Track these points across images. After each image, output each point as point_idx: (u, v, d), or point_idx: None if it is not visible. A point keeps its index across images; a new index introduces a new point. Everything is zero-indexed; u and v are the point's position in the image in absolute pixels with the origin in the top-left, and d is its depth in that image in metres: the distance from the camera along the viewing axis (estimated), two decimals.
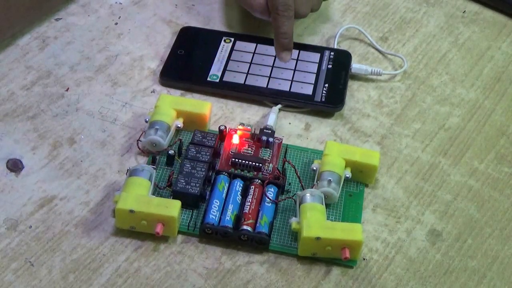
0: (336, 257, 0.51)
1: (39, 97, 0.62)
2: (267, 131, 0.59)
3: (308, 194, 0.53)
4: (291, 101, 0.63)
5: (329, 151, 0.56)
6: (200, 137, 0.57)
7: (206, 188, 0.55)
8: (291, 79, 0.64)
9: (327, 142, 0.57)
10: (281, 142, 0.59)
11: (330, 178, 0.54)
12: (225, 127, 0.59)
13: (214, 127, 0.60)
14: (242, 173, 0.56)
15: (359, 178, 0.57)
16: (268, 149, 0.58)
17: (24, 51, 0.66)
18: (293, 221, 0.52)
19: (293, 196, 0.55)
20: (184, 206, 0.53)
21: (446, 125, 0.63)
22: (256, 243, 0.52)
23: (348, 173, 0.55)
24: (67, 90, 0.63)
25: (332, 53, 0.67)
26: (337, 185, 0.54)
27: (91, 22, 0.69)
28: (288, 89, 0.63)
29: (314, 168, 0.56)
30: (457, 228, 0.55)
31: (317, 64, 0.66)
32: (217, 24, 0.70)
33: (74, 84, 0.63)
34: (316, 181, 0.55)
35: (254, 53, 0.67)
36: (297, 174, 0.56)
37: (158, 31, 0.69)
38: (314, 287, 0.51)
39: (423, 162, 0.60)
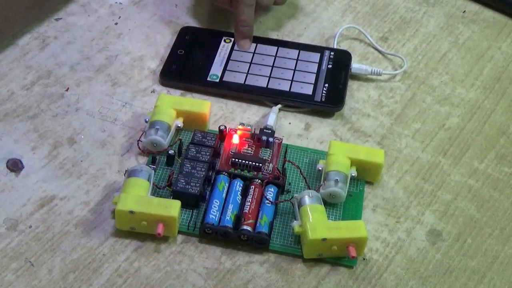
0: (341, 255, 0.52)
1: (39, 97, 0.62)
2: (267, 131, 0.59)
3: (306, 196, 0.53)
4: (291, 101, 0.63)
5: (334, 151, 0.56)
6: (200, 137, 0.57)
7: (206, 188, 0.55)
8: (291, 79, 0.64)
9: (331, 142, 0.57)
10: (281, 142, 0.59)
11: (337, 178, 0.54)
12: (225, 127, 0.59)
13: (214, 127, 0.60)
14: (242, 173, 0.56)
15: (364, 176, 0.57)
16: (268, 149, 0.58)
17: (24, 51, 0.66)
18: (296, 225, 0.52)
19: (290, 199, 0.54)
20: (184, 206, 0.53)
21: (446, 125, 0.63)
22: (256, 243, 0.52)
23: (353, 172, 0.55)
24: (67, 90, 0.63)
25: (332, 53, 0.67)
26: (344, 184, 0.54)
27: (91, 22, 0.69)
28: (288, 89, 0.63)
29: (320, 168, 0.56)
30: (457, 228, 0.55)
31: (317, 64, 0.66)
32: (217, 24, 0.70)
33: (74, 84, 0.63)
34: (323, 181, 0.55)
35: (254, 53, 0.67)
36: (302, 174, 0.56)
37: (158, 31, 0.69)
38: (314, 287, 0.51)
39: (423, 162, 0.60)
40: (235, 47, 0.67)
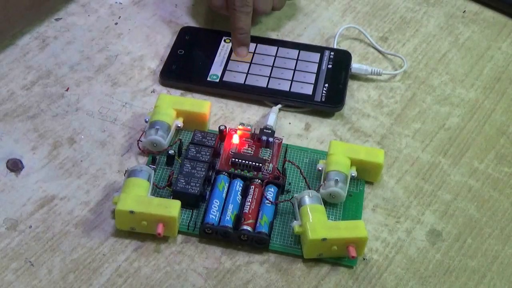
0: (341, 256, 0.52)
1: (39, 97, 0.62)
2: (267, 131, 0.59)
3: (306, 196, 0.53)
4: (291, 101, 0.63)
5: (334, 151, 0.56)
6: (200, 137, 0.57)
7: (206, 188, 0.55)
8: (291, 79, 0.64)
9: (331, 142, 0.57)
10: (281, 142, 0.59)
11: (337, 178, 0.54)
12: (225, 127, 0.59)
13: (214, 127, 0.60)
14: (242, 173, 0.56)
15: (364, 176, 0.57)
16: (268, 149, 0.58)
17: (24, 51, 0.66)
18: (296, 225, 0.52)
19: (290, 199, 0.54)
20: (184, 206, 0.53)
21: (446, 125, 0.63)
22: (256, 243, 0.52)
23: (353, 172, 0.55)
24: (67, 90, 0.63)
25: (332, 53, 0.67)
26: (344, 184, 0.54)
27: (91, 22, 0.69)
28: (288, 89, 0.63)
29: (320, 168, 0.56)
30: (457, 228, 0.55)
31: (317, 64, 0.66)
32: (217, 24, 0.70)
33: (74, 84, 0.63)
34: (323, 181, 0.55)
35: (254, 53, 0.67)
36: (302, 174, 0.56)
37: (158, 31, 0.69)
38: (314, 287, 0.51)
39: (423, 162, 0.60)
40: None
